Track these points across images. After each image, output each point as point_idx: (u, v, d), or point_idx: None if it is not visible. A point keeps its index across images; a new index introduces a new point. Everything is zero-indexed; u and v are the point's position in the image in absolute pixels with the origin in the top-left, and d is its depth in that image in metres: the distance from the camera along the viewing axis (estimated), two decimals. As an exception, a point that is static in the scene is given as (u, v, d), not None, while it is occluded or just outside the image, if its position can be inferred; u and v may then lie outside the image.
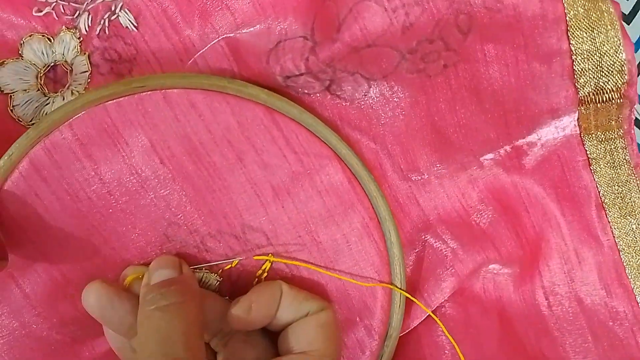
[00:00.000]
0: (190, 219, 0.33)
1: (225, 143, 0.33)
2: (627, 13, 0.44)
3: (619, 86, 0.32)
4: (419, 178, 0.35)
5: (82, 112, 0.32)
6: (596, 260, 0.35)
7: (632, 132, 0.34)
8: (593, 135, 0.34)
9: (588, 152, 0.34)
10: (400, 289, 0.34)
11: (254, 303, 0.31)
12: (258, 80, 0.34)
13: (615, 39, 0.31)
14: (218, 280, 0.34)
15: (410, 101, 0.34)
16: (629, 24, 0.44)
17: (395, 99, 0.34)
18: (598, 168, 0.34)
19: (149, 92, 0.32)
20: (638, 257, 0.35)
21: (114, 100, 0.32)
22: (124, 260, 0.33)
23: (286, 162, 0.33)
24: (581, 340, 0.36)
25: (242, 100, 0.33)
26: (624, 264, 0.34)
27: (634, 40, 0.43)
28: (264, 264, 0.34)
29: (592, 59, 0.31)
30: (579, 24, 0.31)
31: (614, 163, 0.34)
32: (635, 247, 0.34)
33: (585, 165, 0.34)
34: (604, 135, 0.33)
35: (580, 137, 0.34)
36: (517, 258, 0.36)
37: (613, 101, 0.32)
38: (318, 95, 0.34)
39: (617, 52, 0.31)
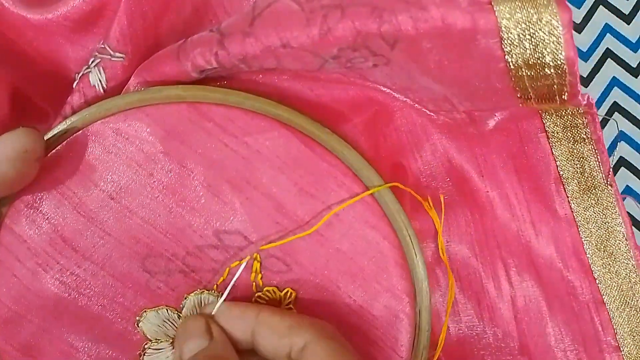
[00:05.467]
0: (163, 245, 0.30)
1: (162, 156, 0.30)
2: (627, 13, 0.43)
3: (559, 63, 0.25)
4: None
5: None
6: (554, 233, 0.33)
7: (594, 109, 0.31)
8: (553, 113, 0.31)
9: (546, 126, 0.32)
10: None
11: (225, 322, 0.29)
12: (176, 81, 0.30)
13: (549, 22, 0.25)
14: (217, 297, 0.31)
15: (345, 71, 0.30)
16: (628, 24, 0.47)
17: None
18: (557, 142, 0.32)
19: (74, 135, 0.30)
20: (596, 233, 0.33)
21: None
22: (116, 312, 0.31)
23: (231, 151, 0.30)
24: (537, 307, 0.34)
25: (161, 105, 0.29)
26: (582, 239, 0.33)
27: (634, 40, 0.46)
28: (253, 266, 0.30)
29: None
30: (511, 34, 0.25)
31: (574, 138, 0.32)
32: (594, 222, 0.33)
33: (544, 137, 0.32)
34: (564, 111, 0.31)
35: (539, 112, 0.31)
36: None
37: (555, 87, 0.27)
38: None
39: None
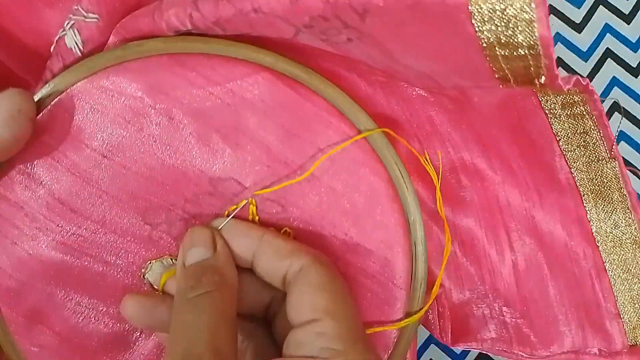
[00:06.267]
0: (161, 197, 0.31)
1: (149, 110, 0.30)
2: (627, 13, 0.44)
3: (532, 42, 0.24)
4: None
5: None
6: (558, 201, 0.33)
7: (590, 87, 0.29)
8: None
9: (543, 104, 0.31)
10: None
11: (230, 237, 0.29)
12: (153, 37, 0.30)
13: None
14: None
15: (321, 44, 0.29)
16: (628, 24, 0.47)
17: None
18: (555, 118, 0.31)
19: (58, 98, 0.30)
20: (601, 204, 0.33)
21: None
22: (121, 268, 0.31)
23: (217, 99, 0.30)
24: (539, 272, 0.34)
25: (143, 60, 0.30)
26: (586, 209, 0.33)
27: (634, 40, 0.46)
28: (249, 209, 0.31)
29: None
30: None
31: (573, 114, 0.31)
32: (597, 193, 0.33)
33: (542, 113, 0.31)
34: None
35: (534, 90, 0.30)
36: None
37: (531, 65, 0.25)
38: None
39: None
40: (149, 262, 0.31)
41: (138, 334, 0.32)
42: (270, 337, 0.30)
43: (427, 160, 0.33)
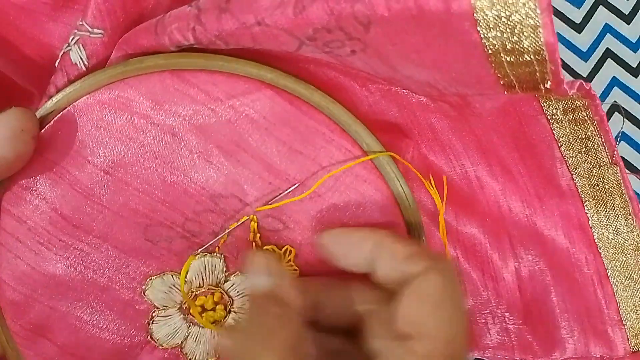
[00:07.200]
0: (162, 214, 0.30)
1: (152, 127, 0.30)
2: (627, 13, 0.43)
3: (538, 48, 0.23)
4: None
5: None
6: (559, 208, 0.33)
7: (593, 92, 0.29)
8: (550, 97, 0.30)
9: (545, 109, 0.31)
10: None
11: (345, 247, 0.29)
12: (156, 53, 0.30)
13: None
14: (221, 259, 0.31)
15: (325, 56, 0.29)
16: (628, 24, 0.46)
17: None
18: (557, 123, 0.31)
19: (61, 114, 0.30)
20: (602, 210, 0.32)
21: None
22: (122, 283, 0.31)
23: (217, 116, 0.30)
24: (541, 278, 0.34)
25: (145, 76, 0.29)
26: (588, 215, 0.33)
27: (634, 40, 0.45)
28: (250, 226, 0.31)
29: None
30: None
31: (575, 120, 0.31)
32: (599, 199, 0.32)
33: (544, 119, 0.31)
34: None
35: (536, 95, 0.30)
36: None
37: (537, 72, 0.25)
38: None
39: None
40: (149, 278, 0.31)
41: (140, 349, 0.32)
42: (358, 349, 0.29)
43: (432, 184, 0.33)
